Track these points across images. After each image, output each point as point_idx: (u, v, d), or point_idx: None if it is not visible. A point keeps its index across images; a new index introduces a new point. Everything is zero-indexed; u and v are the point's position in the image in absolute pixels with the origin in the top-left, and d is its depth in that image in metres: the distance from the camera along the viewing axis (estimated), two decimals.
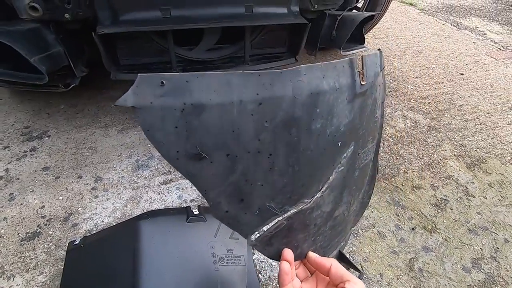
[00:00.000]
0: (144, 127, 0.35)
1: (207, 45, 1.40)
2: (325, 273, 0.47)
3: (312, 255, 0.50)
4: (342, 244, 0.60)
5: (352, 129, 0.50)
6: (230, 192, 0.42)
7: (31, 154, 1.36)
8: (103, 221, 1.12)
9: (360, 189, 0.61)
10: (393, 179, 1.38)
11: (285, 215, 0.45)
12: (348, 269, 0.50)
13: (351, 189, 0.55)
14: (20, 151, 1.37)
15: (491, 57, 2.50)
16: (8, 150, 1.38)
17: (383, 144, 1.57)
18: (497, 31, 3.02)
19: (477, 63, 2.39)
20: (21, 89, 1.50)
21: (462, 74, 2.23)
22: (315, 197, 0.48)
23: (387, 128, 1.67)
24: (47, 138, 1.45)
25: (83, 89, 1.72)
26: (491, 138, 1.65)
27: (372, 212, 1.23)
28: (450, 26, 3.06)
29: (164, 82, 0.35)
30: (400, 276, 1.03)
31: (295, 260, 0.48)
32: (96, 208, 1.17)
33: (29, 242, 1.04)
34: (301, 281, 0.48)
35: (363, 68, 0.47)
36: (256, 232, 0.44)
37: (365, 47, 1.56)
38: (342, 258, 0.58)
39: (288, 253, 0.46)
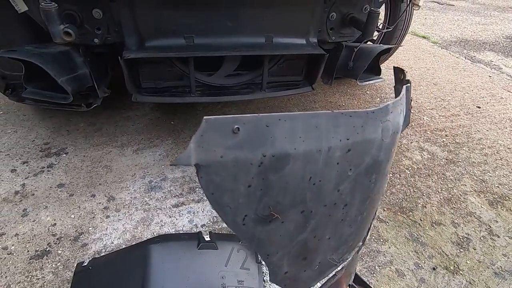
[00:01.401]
0: (208, 190, 0.28)
1: (226, 72, 1.44)
2: None
3: None
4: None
5: None
6: (295, 252, 0.36)
7: (48, 171, 1.38)
8: (112, 243, 1.11)
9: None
10: (411, 213, 1.33)
11: (343, 264, 0.40)
12: None
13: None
14: (38, 167, 1.40)
15: (508, 91, 2.48)
16: (27, 166, 1.40)
17: (400, 176, 1.53)
18: None
19: (494, 97, 2.37)
20: (45, 107, 1.55)
21: (479, 107, 2.20)
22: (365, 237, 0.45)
23: (403, 159, 1.64)
24: (64, 155, 1.48)
25: (102, 108, 1.77)
26: None
27: (389, 247, 1.17)
28: (464, 59, 3.08)
29: (239, 128, 0.28)
30: None
31: None
32: (106, 229, 1.15)
33: (37, 261, 1.03)
34: None
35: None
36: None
37: (381, 78, 1.57)
38: (357, 281, 0.54)
39: None
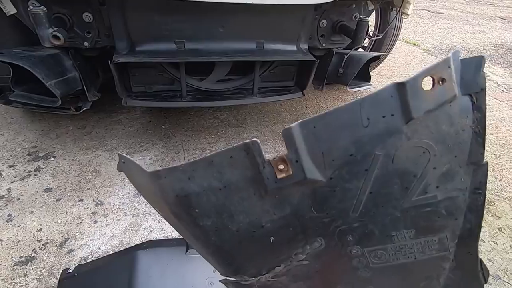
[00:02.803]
0: None
1: (218, 77, 1.44)
2: None
3: None
4: None
5: (299, 224, 0.38)
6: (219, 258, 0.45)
7: (35, 175, 1.36)
8: (99, 248, 1.09)
9: None
10: None
11: (231, 281, 0.45)
12: None
13: None
14: (24, 171, 1.37)
15: (495, 98, 2.54)
16: (13, 169, 1.38)
17: None
18: (499, 73, 3.09)
19: None
20: (33, 110, 1.53)
21: None
22: (255, 279, 0.43)
23: None
24: (52, 159, 1.46)
25: (92, 111, 1.75)
26: (499, 180, 1.63)
27: None
28: None
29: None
30: None
31: None
32: (94, 234, 1.14)
33: (21, 267, 1.01)
34: None
35: (287, 153, 0.34)
36: None
37: (370, 84, 1.60)
38: None
39: None
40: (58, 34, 0.98)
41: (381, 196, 0.35)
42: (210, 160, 0.33)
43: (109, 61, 1.15)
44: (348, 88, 1.49)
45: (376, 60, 2.01)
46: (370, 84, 1.59)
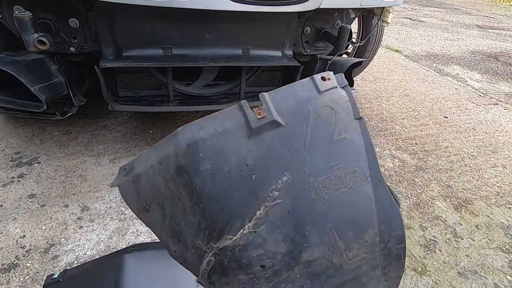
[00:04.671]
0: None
1: (205, 82, 1.47)
2: None
3: None
4: None
5: (272, 161, 0.51)
6: (170, 234, 0.51)
7: (18, 181, 1.34)
8: (85, 254, 1.08)
9: (358, 228, 0.51)
10: None
11: (212, 251, 0.49)
12: None
13: (321, 226, 0.50)
14: (7, 177, 1.35)
15: (472, 102, 2.66)
16: None
17: None
18: (477, 78, 3.24)
19: (460, 108, 2.53)
20: (17, 115, 1.51)
21: (446, 118, 2.34)
22: (240, 233, 0.48)
23: None
24: (36, 165, 1.44)
25: (78, 117, 1.74)
26: (476, 180, 1.70)
27: None
28: (434, 72, 3.28)
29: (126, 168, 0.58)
30: None
31: None
32: (79, 240, 1.13)
33: (3, 275, 0.99)
34: None
35: (262, 105, 0.52)
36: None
37: (354, 89, 1.66)
38: None
39: None
40: (44, 39, 0.99)
41: (317, 137, 0.53)
42: (216, 115, 0.51)
43: (95, 66, 1.15)
44: None
45: (359, 65, 2.08)
46: (354, 89, 1.65)
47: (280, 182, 0.50)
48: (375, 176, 0.54)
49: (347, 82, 0.57)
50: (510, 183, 1.71)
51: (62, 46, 1.17)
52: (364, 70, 2.79)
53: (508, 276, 1.19)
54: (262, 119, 0.51)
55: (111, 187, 1.38)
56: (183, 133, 0.50)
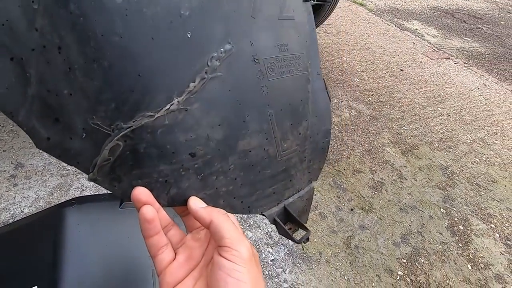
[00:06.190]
0: None
1: None
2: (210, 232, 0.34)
3: (193, 202, 0.35)
4: (287, 198, 0.47)
5: (214, 19, 0.38)
6: (39, 111, 0.30)
7: None
8: (22, 211, 1.00)
9: (295, 118, 0.47)
10: (336, 164, 1.44)
11: (121, 133, 0.33)
12: (296, 230, 0.44)
13: (262, 112, 0.43)
14: None
15: (427, 56, 2.75)
16: None
17: None
18: (433, 34, 3.33)
19: (415, 61, 2.61)
20: None
21: (402, 70, 2.41)
22: (165, 109, 0.34)
23: (334, 117, 1.74)
24: None
25: None
26: (423, 128, 1.81)
27: (315, 195, 1.26)
28: (394, 27, 3.30)
29: None
30: (338, 254, 1.07)
31: (171, 206, 0.36)
32: (14, 198, 1.03)
33: None
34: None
35: None
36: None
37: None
38: (288, 217, 0.46)
39: (140, 192, 0.32)
40: None
41: (267, 4, 0.44)
42: None
43: None
44: None
45: (319, 9, 2.00)
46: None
47: (222, 50, 0.38)
48: (314, 67, 0.50)
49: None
50: (452, 130, 1.84)
51: None
52: (327, 23, 2.72)
53: (441, 209, 1.33)
54: None
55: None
56: None
